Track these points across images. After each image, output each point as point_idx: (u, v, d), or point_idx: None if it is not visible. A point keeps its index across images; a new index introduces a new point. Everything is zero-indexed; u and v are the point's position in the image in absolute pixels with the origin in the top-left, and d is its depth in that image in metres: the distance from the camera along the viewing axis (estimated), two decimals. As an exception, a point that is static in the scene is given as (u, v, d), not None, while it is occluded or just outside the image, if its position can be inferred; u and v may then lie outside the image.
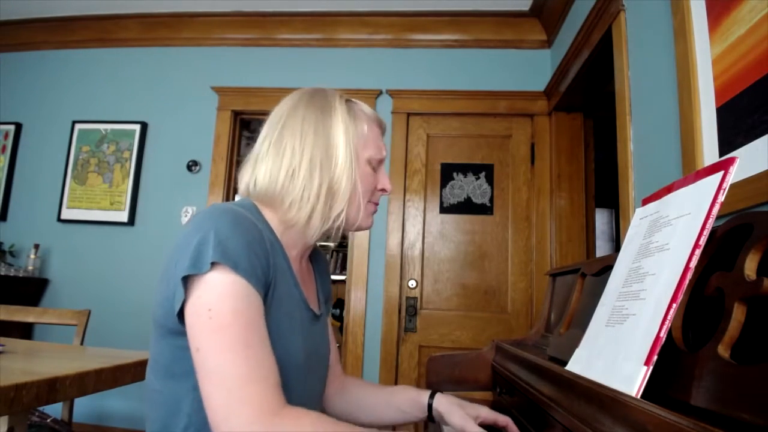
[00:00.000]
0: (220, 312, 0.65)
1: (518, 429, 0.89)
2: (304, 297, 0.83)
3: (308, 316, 0.84)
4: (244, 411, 0.61)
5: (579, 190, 2.56)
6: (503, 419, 0.90)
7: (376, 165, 0.87)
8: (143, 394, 0.76)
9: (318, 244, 0.92)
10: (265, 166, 0.81)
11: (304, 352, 0.79)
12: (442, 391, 0.96)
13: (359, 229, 0.87)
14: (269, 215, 0.82)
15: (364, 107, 0.89)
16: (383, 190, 0.89)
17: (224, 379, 0.63)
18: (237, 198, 0.88)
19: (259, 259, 0.70)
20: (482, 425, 0.88)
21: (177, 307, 0.67)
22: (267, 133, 0.84)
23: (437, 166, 2.71)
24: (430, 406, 0.94)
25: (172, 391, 0.71)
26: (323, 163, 0.79)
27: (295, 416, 0.64)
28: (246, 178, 0.84)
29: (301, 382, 0.78)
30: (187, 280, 0.67)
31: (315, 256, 0.98)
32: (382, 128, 0.91)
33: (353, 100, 0.89)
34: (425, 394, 0.95)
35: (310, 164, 0.79)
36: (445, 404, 0.92)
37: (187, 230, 0.70)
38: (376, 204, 0.90)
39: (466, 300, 2.58)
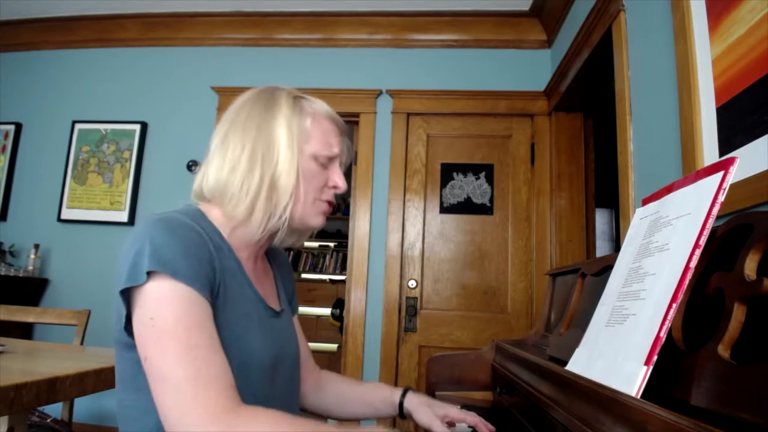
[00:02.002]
0: (162, 318, 0.65)
1: (495, 428, 0.92)
2: (260, 296, 0.83)
3: (267, 315, 0.84)
4: (197, 411, 0.61)
5: (579, 190, 2.56)
6: (472, 419, 0.93)
7: (325, 161, 0.85)
8: (116, 411, 0.75)
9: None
10: (213, 164, 0.81)
11: (269, 352, 0.79)
12: (414, 390, 1.00)
13: (307, 227, 0.86)
14: (216, 216, 0.81)
15: (316, 104, 0.87)
16: (335, 187, 0.87)
17: (173, 382, 0.62)
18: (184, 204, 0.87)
19: (200, 262, 0.70)
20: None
21: (122, 322, 0.68)
22: (217, 132, 0.84)
23: (437, 166, 2.71)
24: (401, 404, 0.97)
25: (142, 403, 0.70)
26: (264, 158, 0.79)
27: (252, 414, 0.64)
28: (199, 177, 0.84)
29: (267, 382, 0.78)
30: (129, 294, 0.67)
31: (274, 255, 0.98)
32: (336, 125, 0.87)
33: (306, 96, 0.87)
34: (398, 393, 0.99)
35: (250, 158, 0.78)
36: (415, 403, 0.96)
37: (125, 245, 0.70)
38: (329, 203, 0.87)
39: (466, 300, 2.58)
